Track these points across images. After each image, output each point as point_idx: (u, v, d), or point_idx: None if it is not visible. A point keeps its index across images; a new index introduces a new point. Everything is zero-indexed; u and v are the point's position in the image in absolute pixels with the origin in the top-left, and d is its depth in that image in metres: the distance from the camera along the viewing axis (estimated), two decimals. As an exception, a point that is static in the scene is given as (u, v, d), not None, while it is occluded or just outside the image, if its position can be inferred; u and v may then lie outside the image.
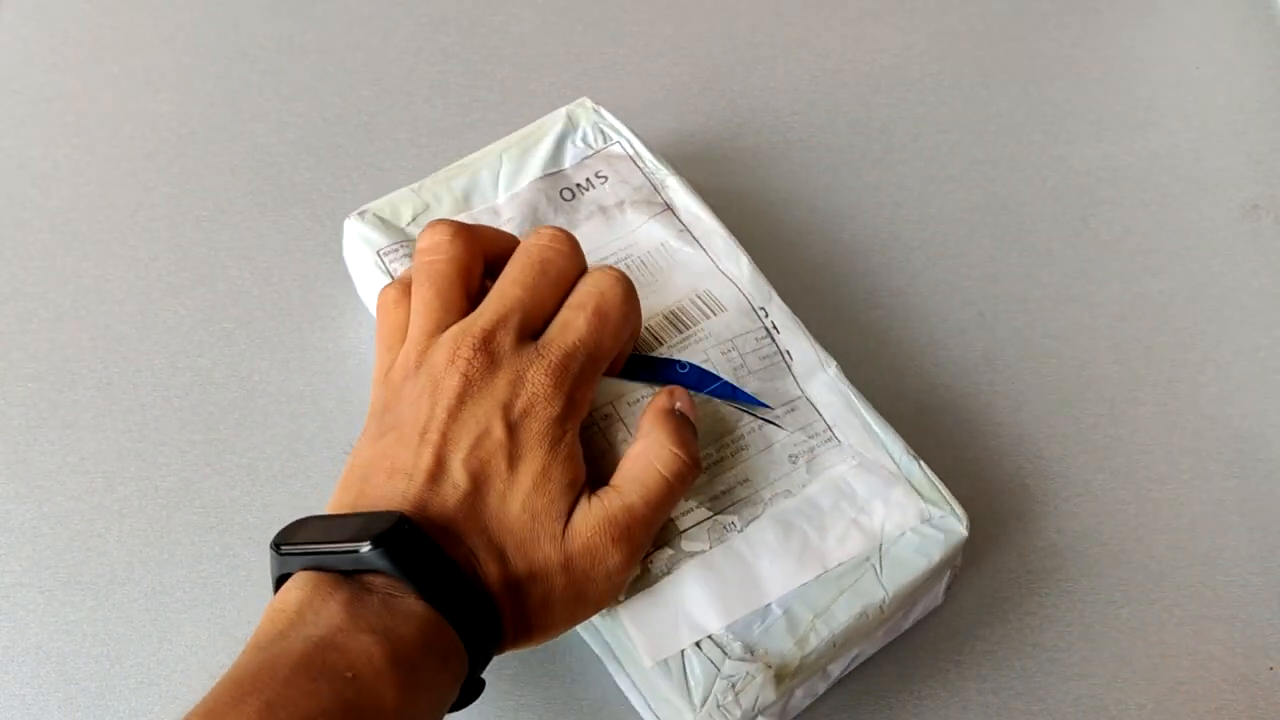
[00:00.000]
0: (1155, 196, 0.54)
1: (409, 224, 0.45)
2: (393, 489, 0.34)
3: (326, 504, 0.36)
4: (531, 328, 0.37)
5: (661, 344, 0.41)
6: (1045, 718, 0.40)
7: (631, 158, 0.47)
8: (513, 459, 0.34)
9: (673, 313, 0.42)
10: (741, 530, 0.38)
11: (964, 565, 0.42)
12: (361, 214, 0.45)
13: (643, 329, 0.41)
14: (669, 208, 0.46)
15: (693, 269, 0.44)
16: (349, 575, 0.32)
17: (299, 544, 0.33)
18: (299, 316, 0.49)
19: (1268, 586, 0.43)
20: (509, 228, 0.45)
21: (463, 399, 0.35)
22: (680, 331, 0.42)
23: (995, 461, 0.46)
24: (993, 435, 0.46)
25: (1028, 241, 0.52)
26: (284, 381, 0.47)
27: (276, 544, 0.34)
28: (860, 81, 0.57)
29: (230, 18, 0.58)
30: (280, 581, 0.34)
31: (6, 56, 0.56)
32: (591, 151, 0.48)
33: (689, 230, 0.45)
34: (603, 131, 0.48)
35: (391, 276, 0.44)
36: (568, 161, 0.47)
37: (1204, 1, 0.61)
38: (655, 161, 0.47)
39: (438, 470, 0.34)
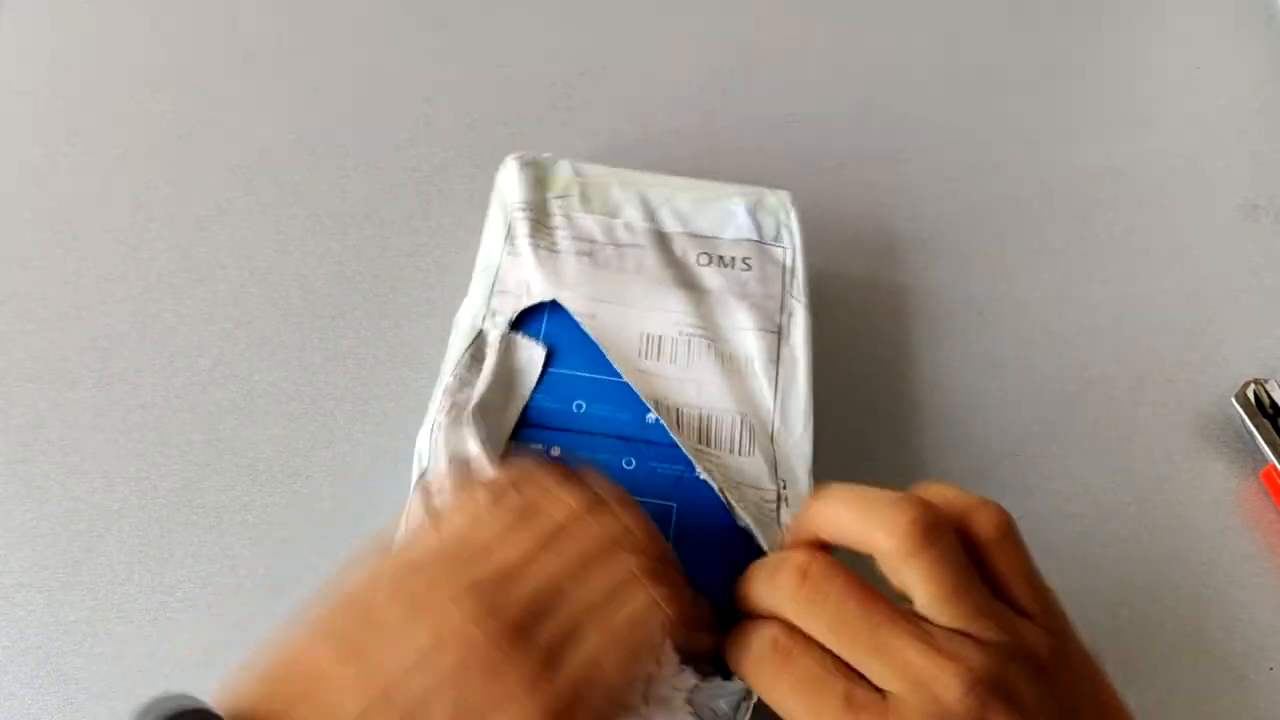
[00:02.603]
0: (1155, 196, 0.54)
1: (551, 197, 0.45)
2: None
3: (247, 658, 0.30)
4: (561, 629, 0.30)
5: (681, 441, 0.39)
6: (1045, 718, 0.40)
7: (785, 268, 0.44)
8: None
9: (707, 418, 0.40)
10: None
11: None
12: (525, 164, 0.45)
13: (674, 413, 0.39)
14: (779, 332, 0.43)
15: (757, 399, 0.41)
16: None
17: None
18: (300, 316, 0.49)
19: (1267, 587, 0.43)
20: (632, 253, 0.43)
21: (445, 685, 0.28)
22: (701, 443, 0.39)
23: (995, 461, 0.46)
24: (993, 435, 0.46)
25: (1028, 241, 0.52)
26: (284, 381, 0.47)
27: (146, 713, 0.28)
28: (861, 82, 0.57)
29: (230, 18, 0.58)
30: None
31: (6, 56, 0.56)
32: (755, 238, 0.45)
33: (778, 365, 0.42)
34: (779, 229, 0.45)
35: (513, 235, 0.43)
36: (729, 233, 0.45)
37: (1204, 1, 0.61)
38: (801, 286, 0.44)
39: None
